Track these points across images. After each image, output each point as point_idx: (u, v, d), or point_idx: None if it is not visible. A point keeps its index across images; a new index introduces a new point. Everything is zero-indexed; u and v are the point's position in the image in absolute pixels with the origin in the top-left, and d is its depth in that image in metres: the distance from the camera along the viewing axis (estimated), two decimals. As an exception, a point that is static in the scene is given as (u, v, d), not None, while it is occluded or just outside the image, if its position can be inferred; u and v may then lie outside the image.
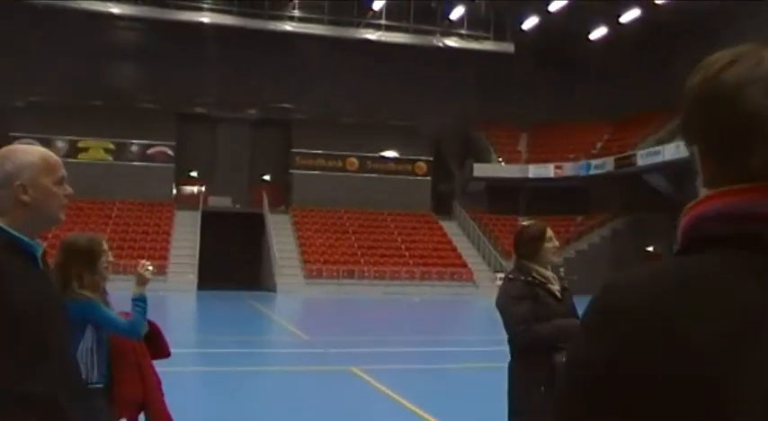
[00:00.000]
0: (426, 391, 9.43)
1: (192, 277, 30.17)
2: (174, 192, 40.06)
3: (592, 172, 38.66)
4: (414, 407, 8.09)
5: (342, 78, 40.28)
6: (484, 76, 41.99)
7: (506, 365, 3.98)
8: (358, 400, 8.85)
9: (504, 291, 3.97)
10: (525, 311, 3.78)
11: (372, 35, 38.55)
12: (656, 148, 34.58)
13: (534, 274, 3.91)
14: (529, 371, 3.75)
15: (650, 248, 36.83)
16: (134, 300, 3.70)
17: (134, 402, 3.88)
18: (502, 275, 35.45)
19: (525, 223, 4.18)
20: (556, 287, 3.93)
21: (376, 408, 8.48)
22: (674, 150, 33.06)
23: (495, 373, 11.16)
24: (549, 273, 3.97)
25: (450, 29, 39.76)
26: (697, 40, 37.57)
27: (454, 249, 38.61)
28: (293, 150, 40.80)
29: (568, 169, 39.95)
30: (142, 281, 3.78)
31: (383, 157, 42.38)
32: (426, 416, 7.73)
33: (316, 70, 40.08)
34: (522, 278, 3.91)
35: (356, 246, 37.18)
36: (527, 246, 4.00)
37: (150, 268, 3.86)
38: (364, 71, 40.09)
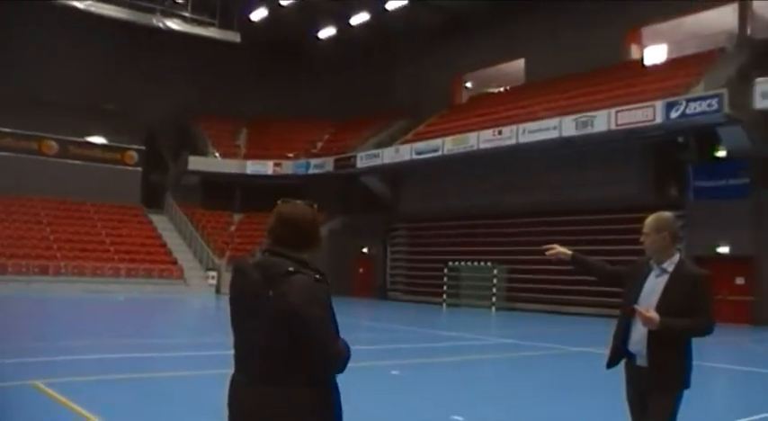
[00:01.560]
0: (124, 406, 7.95)
1: None
2: None
3: (311, 171, 38.48)
4: None
5: (46, 49, 36.34)
6: (206, 66, 40.45)
7: (230, 377, 2.88)
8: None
9: (314, 295, 2.72)
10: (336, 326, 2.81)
11: (80, 3, 34.70)
12: (376, 151, 35.08)
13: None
14: (323, 401, 2.76)
15: (365, 249, 37.37)
16: None
17: None
18: (214, 274, 34.39)
19: (299, 202, 2.95)
20: None
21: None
22: (393, 154, 33.74)
23: (205, 381, 9.95)
24: None
25: (174, 9, 37.33)
26: (419, 50, 39.09)
27: (164, 245, 36.52)
28: (-26, 126, 35.98)
29: (288, 167, 39.51)
30: None
31: (89, 143, 39.05)
32: None
33: (11, 36, 35.55)
34: (323, 279, 2.79)
35: (51, 239, 33.64)
36: (313, 233, 2.95)
37: None
38: (74, 44, 36.57)
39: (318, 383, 2.74)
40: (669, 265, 4.29)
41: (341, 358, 2.74)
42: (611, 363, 4.45)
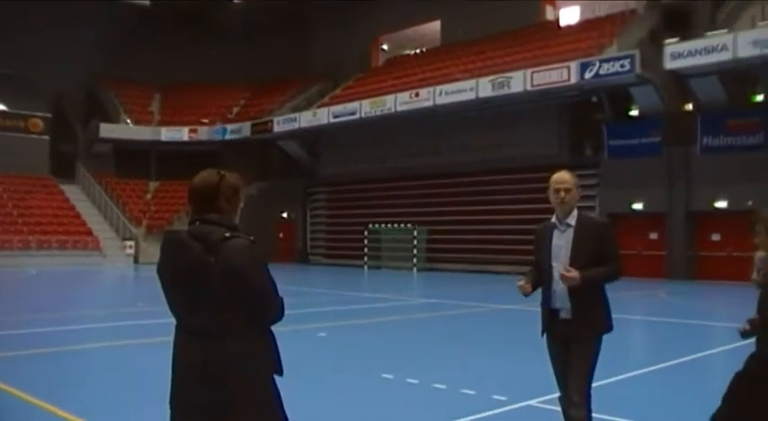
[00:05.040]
0: (48, 380, 7.74)
1: None
2: None
3: (228, 137, 37.88)
4: (33, 399, 6.61)
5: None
6: (116, 30, 38.84)
7: (173, 343, 3.02)
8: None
9: (254, 256, 2.95)
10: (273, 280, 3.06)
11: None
12: (293, 115, 34.69)
13: None
14: (269, 349, 3.05)
15: (285, 214, 37.16)
16: None
17: None
18: (132, 243, 33.66)
19: (206, 170, 3.14)
20: None
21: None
22: (311, 118, 33.44)
23: (130, 350, 9.78)
24: None
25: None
26: (335, 12, 38.61)
27: (78, 215, 35.40)
28: None
29: (204, 133, 38.79)
30: None
31: (-10, 110, 37.20)
32: (52, 408, 6.30)
33: None
34: (255, 240, 3.00)
35: (-47, 212, 32.09)
36: (233, 200, 3.10)
37: None
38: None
39: (262, 334, 3.01)
40: (571, 219, 4.42)
41: (281, 308, 3.03)
42: (546, 329, 4.51)
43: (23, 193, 35.41)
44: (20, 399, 6.71)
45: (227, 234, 2.89)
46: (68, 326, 12.44)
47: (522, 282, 4.45)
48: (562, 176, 4.45)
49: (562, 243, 4.39)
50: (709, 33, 22.61)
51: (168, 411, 3.00)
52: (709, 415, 4.07)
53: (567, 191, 4.40)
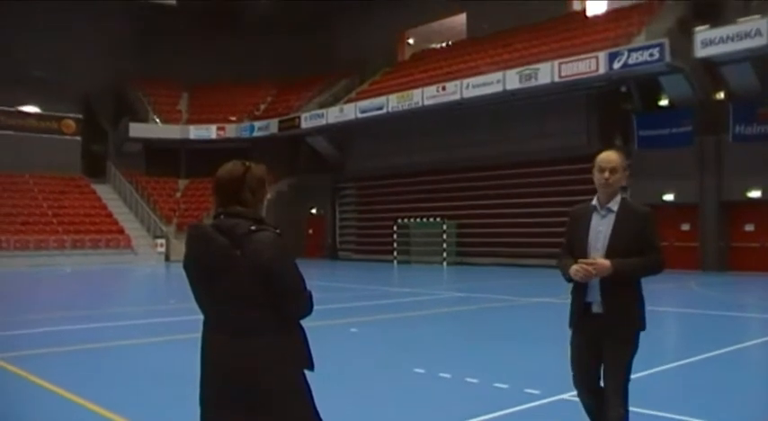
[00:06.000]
0: (83, 376, 7.83)
1: None
2: None
3: (256, 134, 38.03)
4: (68, 394, 6.69)
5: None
6: (143, 30, 39.15)
7: (201, 339, 3.01)
8: (3, 396, 7.03)
9: (281, 249, 2.90)
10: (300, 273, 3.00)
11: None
12: (320, 111, 34.75)
13: None
14: (298, 344, 3.01)
15: (314, 210, 37.29)
16: None
17: None
18: (163, 241, 33.95)
19: (230, 162, 3.07)
20: None
21: (26, 401, 6.74)
22: (338, 113, 33.49)
23: (162, 346, 9.87)
24: None
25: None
26: (360, 7, 38.60)
27: (110, 214, 35.85)
28: None
29: (231, 131, 38.99)
30: None
31: (22, 112, 37.62)
32: (87, 403, 6.38)
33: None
34: (281, 233, 2.96)
35: (-9, 213, 32.63)
36: (259, 192, 3.03)
37: None
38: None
39: (292, 328, 2.97)
40: (614, 205, 4.15)
41: (310, 302, 3.00)
42: (575, 323, 4.26)
43: (58, 194, 35.98)
44: (55, 394, 6.79)
45: (253, 227, 2.84)
46: (102, 323, 12.56)
47: (577, 266, 4.01)
48: (609, 155, 4.16)
49: (602, 229, 4.11)
50: (742, 19, 22.21)
51: (199, 407, 2.98)
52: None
53: (613, 171, 4.10)
